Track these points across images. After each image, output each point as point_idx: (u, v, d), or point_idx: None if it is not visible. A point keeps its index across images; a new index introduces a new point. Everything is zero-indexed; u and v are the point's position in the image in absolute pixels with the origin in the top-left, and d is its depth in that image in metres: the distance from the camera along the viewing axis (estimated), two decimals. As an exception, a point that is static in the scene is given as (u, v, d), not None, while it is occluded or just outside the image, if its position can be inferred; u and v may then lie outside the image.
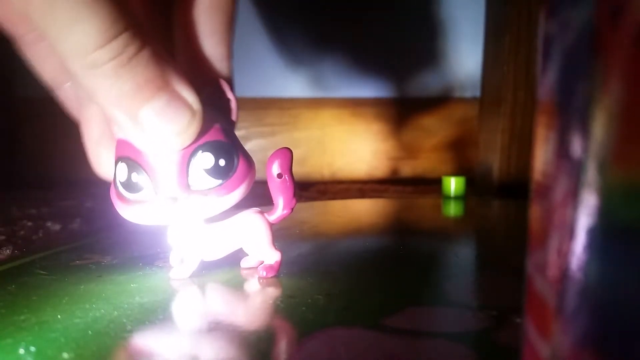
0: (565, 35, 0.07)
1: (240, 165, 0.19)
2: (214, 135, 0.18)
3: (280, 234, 0.27)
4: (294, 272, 0.20)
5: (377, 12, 0.63)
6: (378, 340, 0.14)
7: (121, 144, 0.18)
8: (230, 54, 0.20)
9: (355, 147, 0.66)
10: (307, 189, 0.57)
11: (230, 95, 0.20)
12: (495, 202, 0.44)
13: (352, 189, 0.58)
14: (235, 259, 0.21)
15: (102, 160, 0.20)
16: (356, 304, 0.17)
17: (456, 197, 0.44)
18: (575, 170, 0.07)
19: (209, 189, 0.18)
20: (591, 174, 0.06)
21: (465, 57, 0.64)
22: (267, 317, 0.16)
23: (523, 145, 0.48)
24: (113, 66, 0.15)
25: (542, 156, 0.08)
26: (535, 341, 0.08)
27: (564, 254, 0.07)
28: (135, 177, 0.18)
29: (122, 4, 0.15)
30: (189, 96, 0.17)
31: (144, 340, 0.14)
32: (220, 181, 0.18)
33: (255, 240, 0.20)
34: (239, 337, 0.14)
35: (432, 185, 0.58)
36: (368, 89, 0.65)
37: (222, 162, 0.18)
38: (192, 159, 0.18)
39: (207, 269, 0.20)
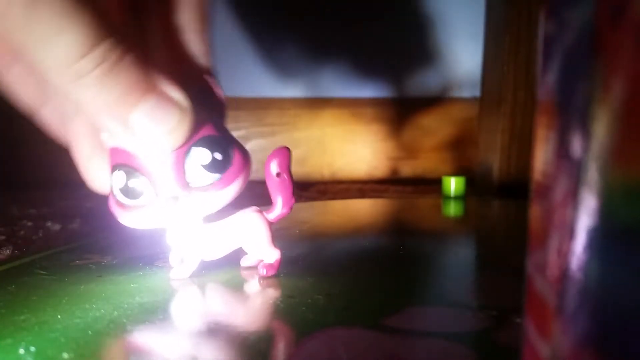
0: (565, 35, 0.07)
1: (236, 158, 0.19)
2: (206, 130, 0.18)
3: (281, 234, 0.27)
4: (294, 272, 0.20)
5: (377, 12, 0.63)
6: (378, 340, 0.14)
7: (115, 152, 0.18)
8: (210, 50, 0.20)
9: (356, 147, 0.66)
10: (307, 189, 0.57)
11: (217, 89, 0.20)
12: (495, 202, 0.44)
13: (352, 189, 0.58)
14: (235, 258, 0.21)
15: (96, 174, 0.19)
16: (356, 304, 0.17)
17: (456, 197, 0.44)
18: (575, 170, 0.07)
19: (208, 184, 0.18)
20: (591, 174, 0.06)
21: (465, 57, 0.64)
22: (267, 317, 0.16)
23: (523, 145, 0.48)
24: (98, 74, 0.15)
25: (542, 156, 0.08)
26: (535, 341, 0.08)
27: (564, 254, 0.07)
28: (133, 182, 0.18)
29: (100, 12, 0.15)
30: (176, 95, 0.17)
31: (143, 340, 0.14)
32: (218, 175, 0.18)
33: (254, 239, 0.20)
34: (238, 337, 0.14)
35: (432, 185, 0.58)
36: (368, 89, 0.65)
37: (218, 156, 0.18)
38: (188, 157, 0.18)
39: (207, 269, 0.20)
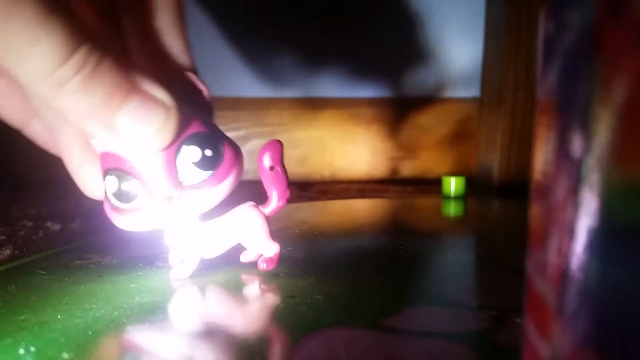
0: (565, 35, 0.07)
1: (227, 153, 0.19)
2: (194, 128, 0.18)
3: (281, 234, 0.27)
4: (294, 272, 0.20)
5: (376, 12, 0.63)
6: (378, 340, 0.14)
7: (105, 157, 0.18)
8: (188, 46, 0.20)
9: (356, 147, 0.66)
10: (307, 189, 0.57)
11: (200, 86, 0.20)
12: (495, 202, 0.44)
13: (352, 189, 0.58)
14: (234, 258, 0.21)
15: (89, 180, 0.19)
16: (356, 304, 0.17)
17: (456, 197, 0.44)
18: (575, 170, 0.07)
19: (201, 182, 0.18)
20: (591, 174, 0.06)
21: (465, 57, 0.64)
22: (267, 318, 0.16)
23: (523, 145, 0.48)
24: (78, 80, 0.15)
25: (542, 156, 0.08)
26: (535, 341, 0.08)
27: (564, 254, 0.07)
28: (126, 185, 0.17)
29: (74, 18, 0.15)
30: (160, 94, 0.16)
31: (143, 340, 0.14)
32: (210, 172, 0.18)
33: (252, 234, 0.20)
34: (238, 337, 0.14)
35: (432, 185, 0.58)
36: (368, 89, 0.65)
37: (208, 153, 0.18)
38: (178, 155, 0.18)
39: (206, 269, 0.20)
